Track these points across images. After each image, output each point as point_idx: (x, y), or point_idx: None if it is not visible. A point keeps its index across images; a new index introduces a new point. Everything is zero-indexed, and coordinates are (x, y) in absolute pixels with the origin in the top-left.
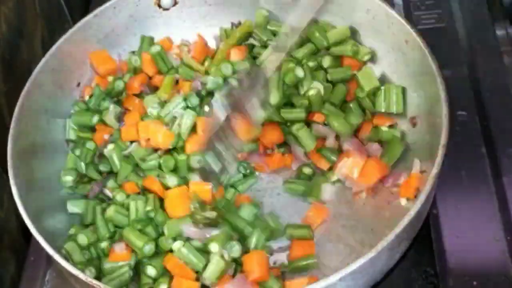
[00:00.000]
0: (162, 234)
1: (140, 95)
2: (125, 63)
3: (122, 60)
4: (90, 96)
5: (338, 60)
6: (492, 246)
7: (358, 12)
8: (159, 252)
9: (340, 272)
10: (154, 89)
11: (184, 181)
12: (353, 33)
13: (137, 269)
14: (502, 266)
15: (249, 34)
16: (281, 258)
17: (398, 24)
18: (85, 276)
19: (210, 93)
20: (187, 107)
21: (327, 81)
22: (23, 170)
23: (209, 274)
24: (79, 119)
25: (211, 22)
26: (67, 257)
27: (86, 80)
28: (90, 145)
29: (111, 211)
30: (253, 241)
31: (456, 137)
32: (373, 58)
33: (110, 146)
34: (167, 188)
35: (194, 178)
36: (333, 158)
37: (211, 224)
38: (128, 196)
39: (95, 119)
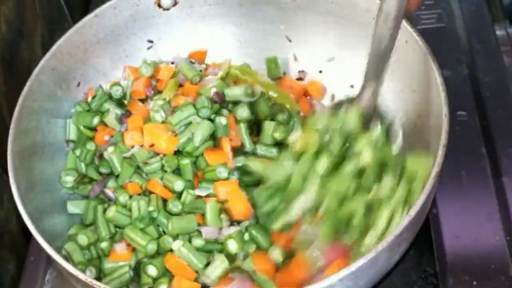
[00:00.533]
0: (163, 234)
1: (144, 100)
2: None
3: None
4: (93, 97)
5: None
6: (492, 246)
7: (358, 12)
8: (160, 252)
9: (340, 272)
10: (159, 93)
11: (191, 185)
12: None
13: (138, 269)
14: (502, 266)
15: None
16: None
17: None
18: (85, 277)
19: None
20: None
21: None
22: (23, 170)
23: (212, 272)
24: (80, 120)
25: (211, 22)
26: (67, 257)
27: (86, 80)
28: (90, 145)
29: (112, 211)
30: None
31: (456, 137)
32: None
33: (110, 149)
34: (173, 191)
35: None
36: None
37: None
38: (130, 197)
39: (96, 120)
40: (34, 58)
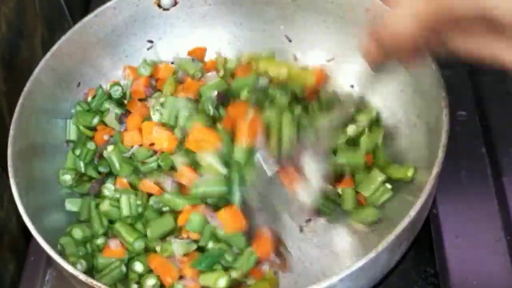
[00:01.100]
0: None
1: (144, 99)
2: (129, 66)
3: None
4: (93, 97)
5: None
6: (492, 246)
7: (358, 12)
8: (149, 249)
9: (340, 273)
10: (159, 92)
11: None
12: None
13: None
14: (502, 266)
15: None
16: None
17: None
18: (85, 277)
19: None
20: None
21: None
22: (23, 170)
23: None
24: (80, 119)
25: (211, 22)
26: (61, 251)
27: (86, 80)
28: (90, 145)
29: (105, 205)
30: None
31: (456, 137)
32: None
33: (110, 148)
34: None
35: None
36: None
37: None
38: (117, 190)
39: (96, 120)
40: (34, 58)
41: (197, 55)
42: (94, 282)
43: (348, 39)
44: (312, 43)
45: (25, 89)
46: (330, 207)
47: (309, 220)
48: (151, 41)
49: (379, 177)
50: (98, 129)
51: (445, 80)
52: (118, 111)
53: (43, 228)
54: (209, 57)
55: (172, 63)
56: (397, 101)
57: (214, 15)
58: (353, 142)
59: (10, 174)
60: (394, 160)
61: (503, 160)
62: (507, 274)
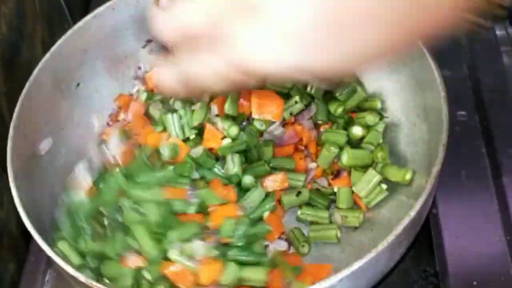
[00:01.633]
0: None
1: None
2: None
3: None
4: None
5: None
6: (492, 246)
7: None
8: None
9: (340, 273)
10: None
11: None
12: None
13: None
14: (502, 266)
15: None
16: None
17: None
18: (85, 278)
19: None
20: None
21: None
22: (23, 171)
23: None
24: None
25: None
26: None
27: (86, 80)
28: None
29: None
30: None
31: (456, 137)
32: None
33: None
34: None
35: None
36: None
37: None
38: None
39: None
40: (34, 58)
41: None
42: (94, 283)
43: None
44: None
45: (25, 89)
46: (323, 202)
47: None
48: (150, 41)
49: (375, 177)
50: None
51: (445, 80)
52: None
53: (43, 229)
54: None
55: None
56: (397, 101)
57: None
58: (357, 142)
59: (10, 174)
60: (393, 160)
61: (503, 160)
62: (507, 274)
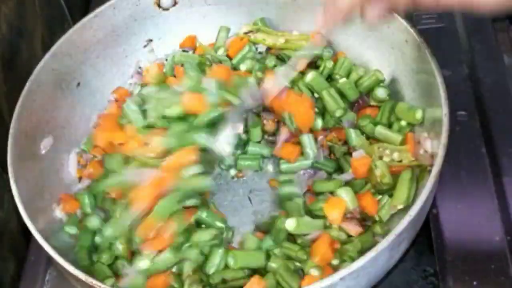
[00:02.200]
0: None
1: None
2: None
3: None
4: None
5: None
6: (492, 246)
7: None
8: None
9: (340, 272)
10: None
11: None
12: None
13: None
14: (502, 266)
15: None
16: None
17: (398, 23)
18: (85, 276)
19: None
20: None
21: None
22: (23, 170)
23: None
24: None
25: (211, 22)
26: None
27: (86, 80)
28: None
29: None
30: None
31: (456, 137)
32: (373, 58)
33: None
34: None
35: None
36: None
37: None
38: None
39: None
40: (34, 58)
41: (189, 45)
42: (94, 281)
43: (348, 38)
44: None
45: (25, 89)
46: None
47: None
48: (150, 40)
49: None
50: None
51: (445, 80)
52: None
53: (43, 228)
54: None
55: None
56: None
57: (214, 15)
58: None
59: (10, 174)
60: None
61: (503, 160)
62: (507, 274)
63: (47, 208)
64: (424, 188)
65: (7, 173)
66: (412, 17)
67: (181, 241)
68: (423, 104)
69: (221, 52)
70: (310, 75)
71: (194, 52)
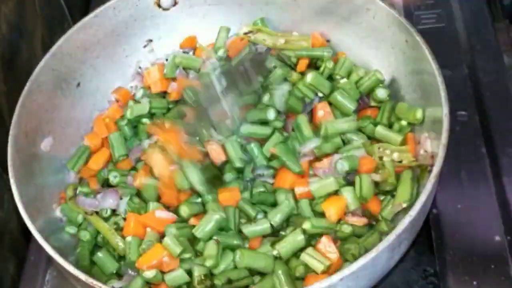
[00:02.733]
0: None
1: None
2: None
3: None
4: None
5: None
6: (492, 246)
7: (358, 12)
8: None
9: (341, 272)
10: None
11: None
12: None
13: None
14: (502, 266)
15: None
16: None
17: (398, 24)
18: (85, 276)
19: None
20: None
21: None
22: (23, 170)
23: None
24: None
25: (211, 22)
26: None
27: (86, 80)
28: None
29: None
30: None
31: (456, 137)
32: (373, 58)
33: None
34: None
35: None
36: None
37: None
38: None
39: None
40: (34, 58)
41: (189, 45)
42: (94, 282)
43: (348, 38)
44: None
45: (25, 89)
46: None
47: None
48: (150, 40)
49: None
50: None
51: (445, 80)
52: None
53: (43, 228)
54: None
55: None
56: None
57: (214, 15)
58: None
59: (10, 174)
60: None
61: (503, 160)
62: (507, 274)
63: (47, 208)
64: (424, 188)
65: (7, 173)
66: (412, 17)
67: (189, 257)
68: (423, 104)
69: (221, 52)
70: (310, 76)
71: (194, 53)
